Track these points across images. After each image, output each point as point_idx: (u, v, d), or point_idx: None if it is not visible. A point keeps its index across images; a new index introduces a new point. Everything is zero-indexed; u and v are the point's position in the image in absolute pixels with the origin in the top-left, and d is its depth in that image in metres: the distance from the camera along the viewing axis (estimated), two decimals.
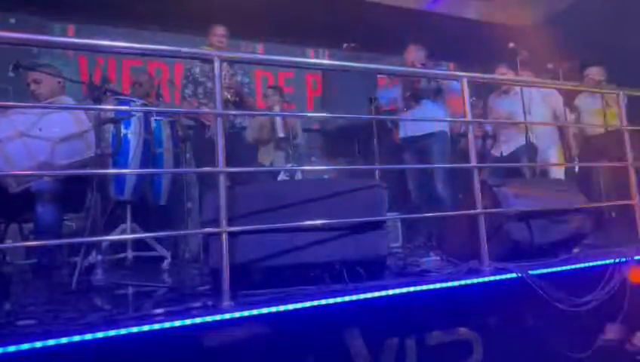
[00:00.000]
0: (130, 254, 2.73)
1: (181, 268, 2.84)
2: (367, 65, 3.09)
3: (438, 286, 1.66)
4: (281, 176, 3.45)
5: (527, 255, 2.03)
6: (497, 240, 2.02)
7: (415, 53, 3.43)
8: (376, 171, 2.82)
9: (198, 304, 1.50)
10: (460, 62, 5.48)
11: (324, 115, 4.54)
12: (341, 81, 3.87)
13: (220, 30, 3.11)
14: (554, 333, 1.86)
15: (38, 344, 1.19)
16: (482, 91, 4.08)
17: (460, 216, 2.13)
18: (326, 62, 2.26)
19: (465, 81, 1.92)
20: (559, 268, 1.92)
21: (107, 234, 2.49)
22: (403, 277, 1.78)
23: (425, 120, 3.31)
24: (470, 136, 1.95)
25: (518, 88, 3.42)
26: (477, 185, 1.88)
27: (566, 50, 3.79)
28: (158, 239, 2.81)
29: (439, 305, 1.68)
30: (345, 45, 3.61)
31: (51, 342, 1.21)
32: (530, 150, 3.40)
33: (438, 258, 1.96)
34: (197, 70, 3.17)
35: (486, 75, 2.32)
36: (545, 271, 1.87)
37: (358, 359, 1.56)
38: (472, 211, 1.87)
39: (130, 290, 2.03)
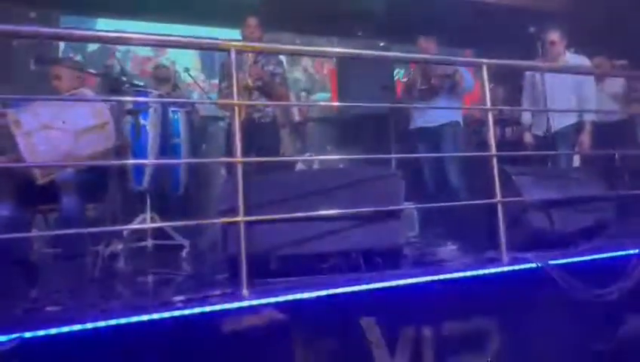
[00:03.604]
0: (150, 243, 2.79)
1: (199, 256, 2.88)
2: (383, 53, 3.05)
3: (455, 275, 1.64)
4: (299, 166, 3.46)
5: (547, 244, 1.99)
6: (516, 229, 1.99)
7: (427, 45, 3.37)
8: (392, 160, 2.79)
9: (216, 291, 1.52)
10: (477, 49, 5.35)
11: (337, 103, 4.51)
12: (356, 70, 3.82)
13: (252, 21, 3.07)
14: (575, 325, 1.82)
15: (65, 329, 1.23)
16: (504, 78, 3.98)
17: (477, 205, 2.10)
18: (343, 50, 2.23)
19: (485, 66, 1.87)
20: (581, 258, 1.88)
21: (128, 223, 2.54)
22: (420, 267, 1.77)
23: (441, 108, 3.26)
24: (489, 123, 1.90)
25: (567, 58, 3.29)
26: (495, 174, 1.85)
27: (591, 36, 3.66)
28: (176, 228, 2.86)
29: (456, 294, 1.67)
30: (360, 33, 3.56)
31: (77, 327, 1.24)
32: (575, 130, 3.27)
33: (455, 247, 1.94)
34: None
35: (507, 61, 2.25)
36: (566, 261, 1.83)
37: (374, 348, 1.56)
38: (490, 200, 1.83)
39: (151, 278, 2.07)
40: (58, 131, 1.98)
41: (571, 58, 3.37)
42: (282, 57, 3.36)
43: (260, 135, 2.94)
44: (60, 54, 4.10)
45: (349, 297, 1.52)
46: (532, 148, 3.42)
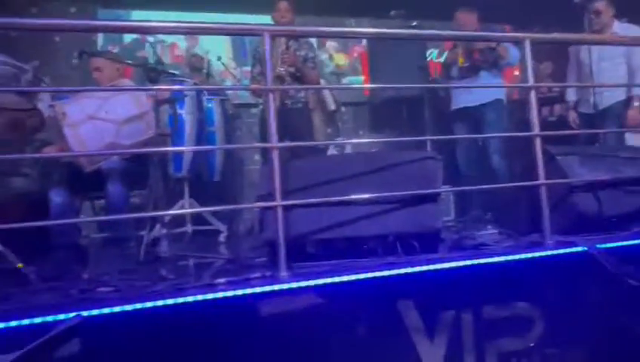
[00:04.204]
0: (189, 228, 2.89)
1: (237, 240, 2.96)
2: (419, 31, 2.95)
3: (496, 259, 1.61)
4: (331, 151, 3.46)
5: (594, 228, 1.90)
6: (560, 212, 1.91)
7: (466, 18, 3.21)
8: (428, 144, 2.73)
9: (256, 274, 1.56)
10: (516, 24, 5.08)
11: (370, 85, 4.43)
12: (389, 51, 3.73)
13: (282, 5, 3.05)
14: (624, 311, 1.75)
15: (117, 309, 1.30)
16: (548, 53, 3.76)
17: (519, 187, 2.03)
18: (377, 30, 2.15)
19: (528, 42, 1.78)
20: (631, 242, 1.79)
21: (168, 209, 2.64)
22: (459, 251, 1.73)
23: (480, 87, 3.12)
24: (532, 101, 1.82)
25: (615, 29, 3.09)
26: (539, 154, 1.77)
27: None
28: (214, 213, 2.95)
29: (497, 279, 1.63)
30: (392, 12, 3.46)
31: (128, 308, 1.32)
32: (625, 107, 3.06)
33: (496, 231, 1.89)
34: (262, 49, 3.15)
35: (550, 35, 2.13)
36: (614, 244, 1.75)
37: (412, 331, 1.56)
38: (534, 182, 1.76)
39: (192, 262, 2.15)
40: (102, 122, 2.06)
41: (620, 28, 3.14)
42: (313, 41, 3.32)
43: (292, 121, 2.95)
44: (99, 48, 4.24)
45: (387, 281, 1.52)
46: (577, 127, 3.24)
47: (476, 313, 1.60)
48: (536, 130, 1.79)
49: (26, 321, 1.19)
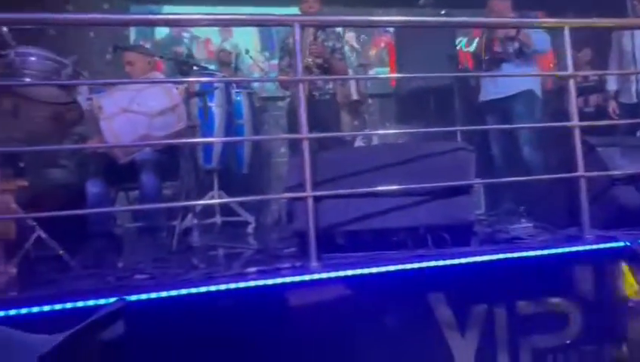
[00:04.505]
0: (218, 219, 2.94)
1: (264, 231, 2.99)
2: (448, 19, 2.86)
3: (532, 253, 1.56)
4: (357, 144, 3.43)
5: (636, 222, 1.81)
6: (600, 205, 1.83)
7: (500, 5, 3.08)
8: (458, 135, 2.67)
9: (286, 264, 1.57)
10: (549, 10, 4.86)
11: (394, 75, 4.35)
12: (417, 41, 3.65)
13: None
14: None
15: (153, 295, 1.34)
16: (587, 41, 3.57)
17: (554, 179, 1.96)
18: (408, 18, 2.10)
19: (567, 29, 1.70)
20: None
21: (199, 200, 2.70)
22: (492, 244, 1.69)
23: (515, 75, 2.99)
24: (571, 91, 1.74)
25: None
26: (579, 145, 1.70)
27: None
28: (242, 205, 2.99)
29: (532, 274, 1.58)
30: (421, 1, 3.38)
31: (163, 294, 1.35)
32: None
33: (531, 225, 1.83)
34: (291, 40, 3.15)
35: (591, 20, 2.03)
36: None
37: (443, 324, 1.54)
38: (573, 174, 1.70)
39: (222, 251, 2.19)
40: (135, 114, 2.11)
41: None
42: (340, 31, 3.28)
43: (320, 112, 2.94)
44: (131, 42, 4.34)
45: (418, 273, 1.50)
46: (618, 117, 3.09)
47: (510, 308, 1.56)
48: (575, 120, 1.72)
49: (69, 305, 1.24)
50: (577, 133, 1.71)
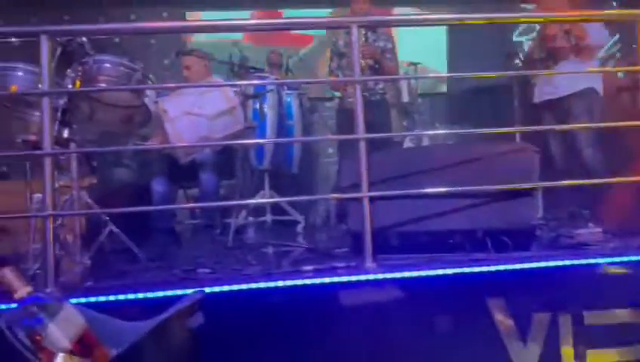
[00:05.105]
0: (269, 218, 3.01)
1: (314, 231, 3.03)
2: (503, 14, 2.74)
3: (601, 260, 1.47)
4: (406, 144, 3.39)
5: None
6: None
7: (554, 2, 2.88)
8: (517, 135, 2.55)
9: (341, 264, 1.58)
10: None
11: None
12: (469, 38, 3.54)
13: None
14: None
15: (216, 288, 1.40)
16: None
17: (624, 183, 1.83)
18: (461, 15, 2.03)
19: None
20: None
21: (252, 199, 2.78)
22: (556, 250, 1.61)
23: (577, 72, 2.80)
24: None
25: None
26: None
27: None
28: (292, 204, 3.03)
29: (602, 282, 1.49)
30: None
31: (226, 288, 1.41)
32: None
33: (599, 230, 1.72)
34: (341, 43, 3.19)
35: None
36: None
37: (503, 331, 1.48)
38: None
39: (276, 249, 2.24)
40: (196, 117, 2.21)
41: None
42: (391, 31, 3.25)
43: (370, 113, 2.92)
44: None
45: (477, 277, 1.46)
46: None
47: (576, 318, 1.48)
48: None
49: (150, 294, 1.33)
50: None
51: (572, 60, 2.81)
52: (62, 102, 1.74)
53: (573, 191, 2.67)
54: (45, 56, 1.49)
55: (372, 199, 1.57)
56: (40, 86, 1.53)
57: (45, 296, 1.24)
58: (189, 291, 1.24)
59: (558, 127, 2.90)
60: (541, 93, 3.00)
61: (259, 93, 2.66)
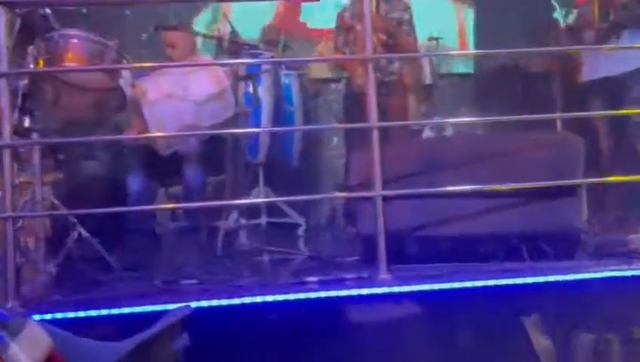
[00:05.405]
0: (264, 220, 3.00)
1: (317, 236, 3.02)
2: None
3: None
4: (426, 134, 3.37)
5: None
6: None
7: None
8: (558, 123, 2.53)
9: (350, 275, 1.57)
10: None
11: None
12: (500, 12, 3.51)
13: None
14: None
15: (204, 303, 1.40)
16: None
17: None
18: None
19: None
20: None
21: (245, 197, 2.77)
22: (604, 258, 1.60)
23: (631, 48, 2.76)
24: None
25: None
26: None
27: None
28: (291, 204, 3.03)
29: None
30: None
31: (215, 303, 1.41)
32: None
33: None
34: (347, 14, 3.15)
35: None
36: None
37: (541, 352, 1.48)
38: None
39: (273, 256, 2.23)
40: (180, 101, 2.20)
41: None
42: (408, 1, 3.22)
43: (383, 97, 2.90)
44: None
45: (510, 291, 1.45)
46: None
47: (626, 337, 1.48)
48: None
49: (116, 311, 1.33)
50: None
51: (633, 33, 2.76)
52: (22, 84, 1.73)
53: (624, 190, 2.65)
54: (2, 30, 1.48)
55: (386, 198, 1.56)
56: None
57: (6, 311, 1.24)
58: (171, 306, 1.24)
59: (609, 113, 2.86)
60: (596, 70, 2.93)
61: (252, 74, 2.65)
